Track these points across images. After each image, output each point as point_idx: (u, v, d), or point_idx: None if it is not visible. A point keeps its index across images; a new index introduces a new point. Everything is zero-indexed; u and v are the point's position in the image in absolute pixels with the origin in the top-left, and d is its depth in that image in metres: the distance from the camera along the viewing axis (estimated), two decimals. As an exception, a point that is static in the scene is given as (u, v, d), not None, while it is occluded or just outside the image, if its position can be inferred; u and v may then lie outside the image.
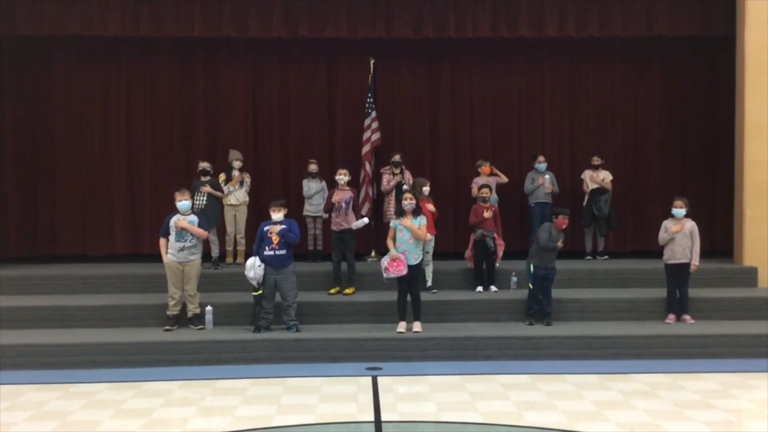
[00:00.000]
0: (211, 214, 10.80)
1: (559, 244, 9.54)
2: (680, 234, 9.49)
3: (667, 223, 9.63)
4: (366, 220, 10.33)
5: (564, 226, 9.59)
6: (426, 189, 10.23)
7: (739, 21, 11.17)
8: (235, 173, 11.25)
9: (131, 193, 12.35)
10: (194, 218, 9.34)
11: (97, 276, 10.72)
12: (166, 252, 9.22)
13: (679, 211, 9.54)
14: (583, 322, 9.66)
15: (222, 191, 11.10)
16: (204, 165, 11.12)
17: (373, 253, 11.79)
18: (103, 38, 11.73)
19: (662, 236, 9.61)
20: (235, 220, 11.28)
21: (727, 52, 11.75)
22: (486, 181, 11.10)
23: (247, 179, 11.38)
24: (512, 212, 11.86)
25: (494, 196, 11.01)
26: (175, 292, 9.24)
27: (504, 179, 11.61)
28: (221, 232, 11.34)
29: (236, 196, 11.24)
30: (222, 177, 11.23)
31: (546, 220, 10.32)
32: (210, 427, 6.75)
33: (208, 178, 11.05)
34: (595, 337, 9.06)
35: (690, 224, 9.56)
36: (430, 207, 10.04)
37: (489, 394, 7.64)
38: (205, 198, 10.89)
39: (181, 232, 9.18)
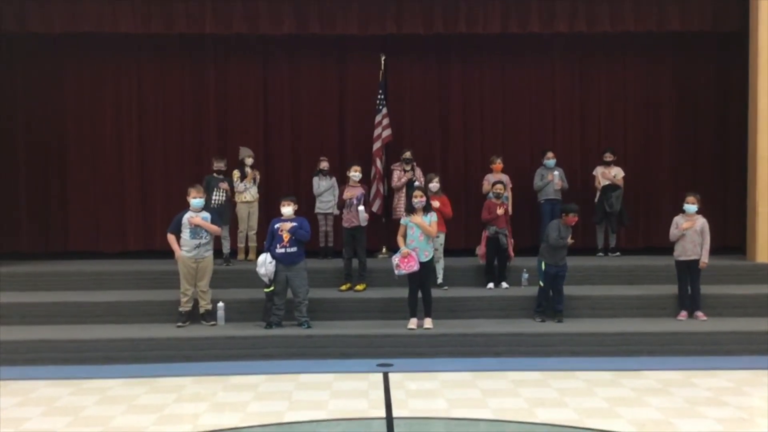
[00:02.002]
0: (224, 211, 10.84)
1: (569, 240, 9.52)
2: (691, 230, 9.45)
3: (678, 220, 9.59)
4: (362, 208, 10.24)
5: (573, 224, 9.57)
6: (433, 185, 10.19)
7: (752, 15, 11.09)
8: (248, 170, 11.28)
9: (143, 189, 12.38)
10: (207, 215, 9.37)
11: (110, 272, 10.77)
12: (179, 246, 9.25)
13: (691, 207, 9.49)
14: (594, 318, 9.65)
15: (234, 189, 11.13)
16: (220, 164, 11.13)
17: (384, 250, 11.78)
18: (115, 36, 11.74)
19: (673, 232, 9.58)
20: (249, 217, 11.30)
21: (739, 48, 11.68)
22: (498, 178, 11.06)
23: (257, 176, 11.41)
24: (522, 209, 11.82)
25: (505, 194, 10.96)
26: (188, 289, 9.28)
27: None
28: (233, 229, 11.37)
29: (251, 192, 11.27)
30: (236, 174, 11.24)
31: (556, 216, 10.28)
32: (221, 422, 6.77)
33: (222, 176, 11.08)
34: (606, 333, 9.04)
35: (701, 221, 9.52)
36: (436, 203, 9.93)
37: (500, 390, 7.64)
38: (224, 195, 10.92)
39: (196, 229, 9.21)
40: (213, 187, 10.88)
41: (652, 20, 11.70)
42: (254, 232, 11.36)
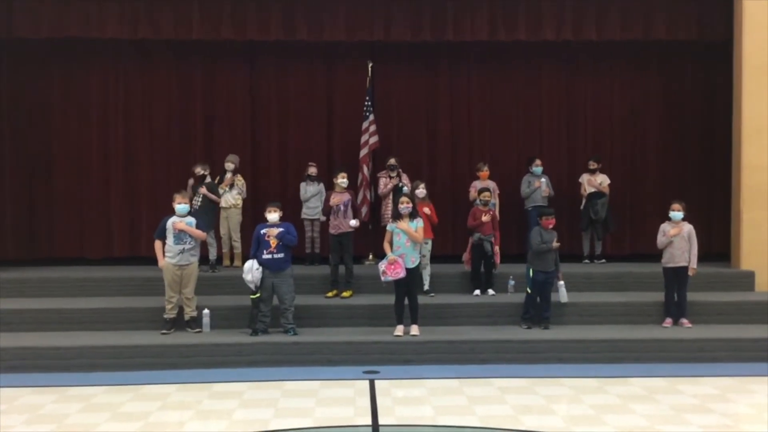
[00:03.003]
0: (208, 217, 10.79)
1: (555, 244, 9.52)
2: (678, 237, 9.49)
3: (665, 227, 9.63)
4: (354, 222, 10.26)
5: (551, 226, 9.59)
6: (419, 191, 10.20)
7: (737, 24, 11.19)
8: (228, 175, 11.24)
9: (129, 195, 12.32)
10: (192, 220, 9.32)
11: (95, 279, 10.72)
12: (163, 255, 9.21)
13: (677, 214, 9.55)
14: (580, 325, 9.66)
15: (219, 195, 11.09)
16: (199, 169, 11.08)
17: (370, 256, 11.77)
18: (101, 41, 11.71)
19: (660, 240, 9.61)
20: (227, 222, 11.27)
21: (724, 56, 11.76)
22: (485, 185, 11.08)
23: (239, 182, 11.37)
24: (509, 216, 11.84)
25: (492, 200, 10.98)
26: (173, 296, 9.23)
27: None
28: (218, 235, 11.33)
29: (226, 198, 11.23)
30: (217, 180, 11.22)
31: (544, 224, 10.32)
32: (206, 430, 6.74)
33: (207, 180, 11.05)
34: (592, 340, 9.06)
35: (688, 227, 9.57)
36: (426, 210, 9.98)
37: (486, 397, 7.63)
38: (201, 199, 10.88)
39: (180, 234, 9.16)
40: (195, 192, 10.85)
41: (638, 29, 11.77)
42: (235, 238, 11.32)
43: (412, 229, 9.02)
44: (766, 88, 10.90)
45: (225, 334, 9.18)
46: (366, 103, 11.82)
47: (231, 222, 11.29)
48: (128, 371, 8.55)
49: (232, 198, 11.27)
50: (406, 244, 9.01)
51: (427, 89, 12.62)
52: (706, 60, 12.50)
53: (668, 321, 9.62)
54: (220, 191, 11.17)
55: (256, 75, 12.47)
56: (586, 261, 11.87)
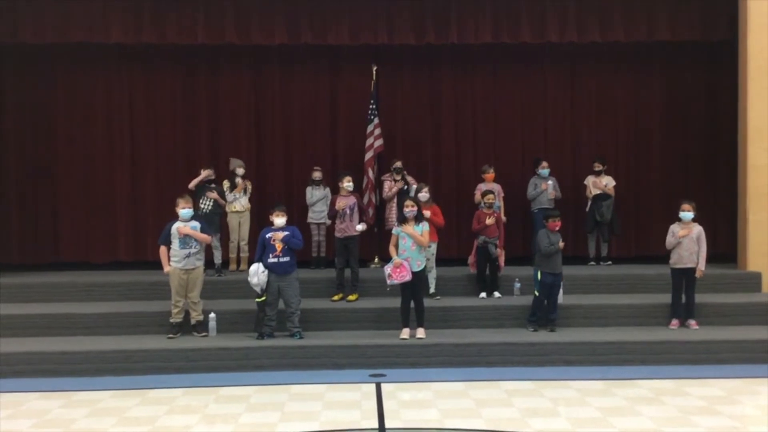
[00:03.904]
0: (214, 221, 10.81)
1: (560, 245, 9.50)
2: (687, 238, 9.45)
3: (674, 228, 9.60)
4: (359, 227, 10.30)
5: (557, 228, 9.57)
6: (422, 195, 10.17)
7: (741, 25, 11.17)
8: (239, 180, 11.26)
9: (134, 200, 12.34)
10: (196, 224, 9.33)
11: (100, 283, 10.72)
12: (168, 261, 9.21)
13: (687, 214, 9.51)
14: (587, 328, 9.64)
15: (225, 199, 11.11)
16: (208, 172, 11.11)
17: (376, 260, 11.77)
18: (106, 46, 11.75)
19: (669, 240, 9.58)
20: (240, 226, 11.29)
21: (728, 57, 11.74)
22: (490, 187, 11.07)
23: (249, 186, 11.41)
24: (515, 218, 11.84)
25: (497, 203, 10.98)
26: (179, 300, 9.24)
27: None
28: (224, 239, 11.34)
29: (241, 202, 11.27)
30: (226, 184, 11.24)
31: (550, 226, 10.30)
32: (213, 434, 6.75)
33: (213, 185, 11.07)
34: (599, 343, 9.04)
35: (697, 229, 9.53)
36: (427, 213, 9.92)
37: (493, 400, 7.63)
38: (211, 203, 10.89)
39: (185, 238, 9.17)
40: (201, 196, 10.86)
41: (641, 30, 11.76)
42: (245, 242, 11.34)
43: (417, 233, 9.02)
44: (771, 89, 10.90)
45: (231, 337, 9.19)
46: (371, 106, 11.83)
47: (243, 226, 11.30)
48: (135, 375, 8.56)
49: (245, 202, 11.30)
50: (412, 247, 9.01)
51: (431, 92, 12.61)
52: (710, 61, 12.48)
53: (675, 322, 9.60)
54: (236, 195, 11.20)
55: (260, 79, 12.48)
56: (592, 263, 11.85)
